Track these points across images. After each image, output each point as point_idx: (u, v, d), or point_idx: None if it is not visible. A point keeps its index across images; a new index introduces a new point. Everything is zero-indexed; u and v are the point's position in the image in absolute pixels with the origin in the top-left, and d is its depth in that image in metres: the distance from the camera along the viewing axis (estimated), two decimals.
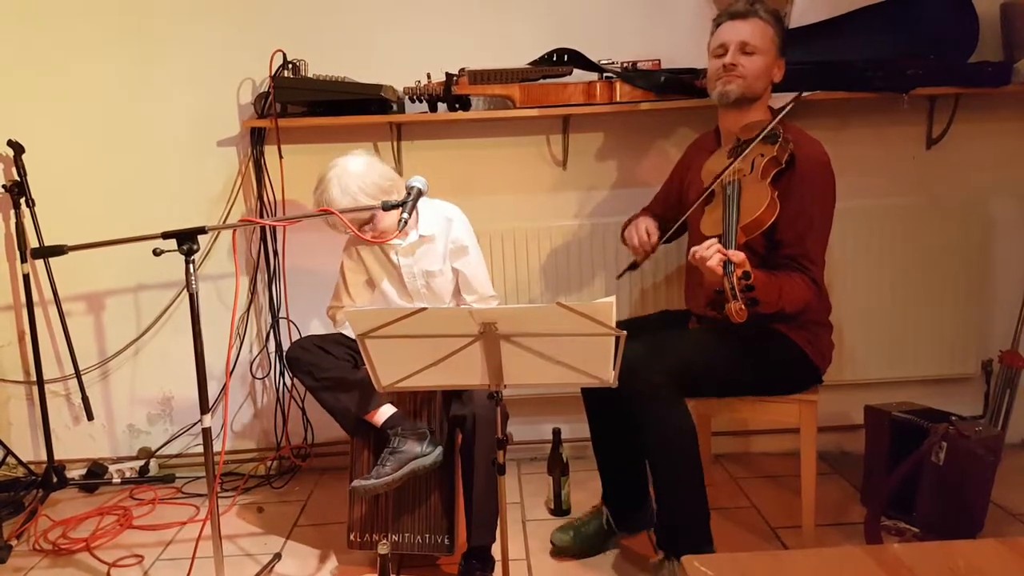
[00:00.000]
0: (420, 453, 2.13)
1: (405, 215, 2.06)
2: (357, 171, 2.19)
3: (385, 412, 2.20)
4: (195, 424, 2.95)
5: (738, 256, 1.76)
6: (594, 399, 2.27)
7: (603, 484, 2.33)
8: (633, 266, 2.23)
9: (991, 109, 2.74)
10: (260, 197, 2.80)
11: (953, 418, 2.28)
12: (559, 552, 2.26)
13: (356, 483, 2.13)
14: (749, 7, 2.10)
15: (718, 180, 2.00)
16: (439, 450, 2.16)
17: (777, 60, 2.14)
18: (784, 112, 1.97)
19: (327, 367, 2.21)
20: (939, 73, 2.56)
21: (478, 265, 2.37)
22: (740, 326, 2.03)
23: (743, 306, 1.71)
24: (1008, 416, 2.67)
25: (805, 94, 2.54)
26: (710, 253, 1.78)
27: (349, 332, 2.26)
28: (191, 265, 1.91)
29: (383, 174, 2.22)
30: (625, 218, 2.42)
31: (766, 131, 1.99)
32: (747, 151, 1.99)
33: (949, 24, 2.62)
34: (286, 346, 2.82)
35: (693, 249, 1.85)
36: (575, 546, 2.25)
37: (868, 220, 2.73)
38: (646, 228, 2.24)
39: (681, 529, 2.01)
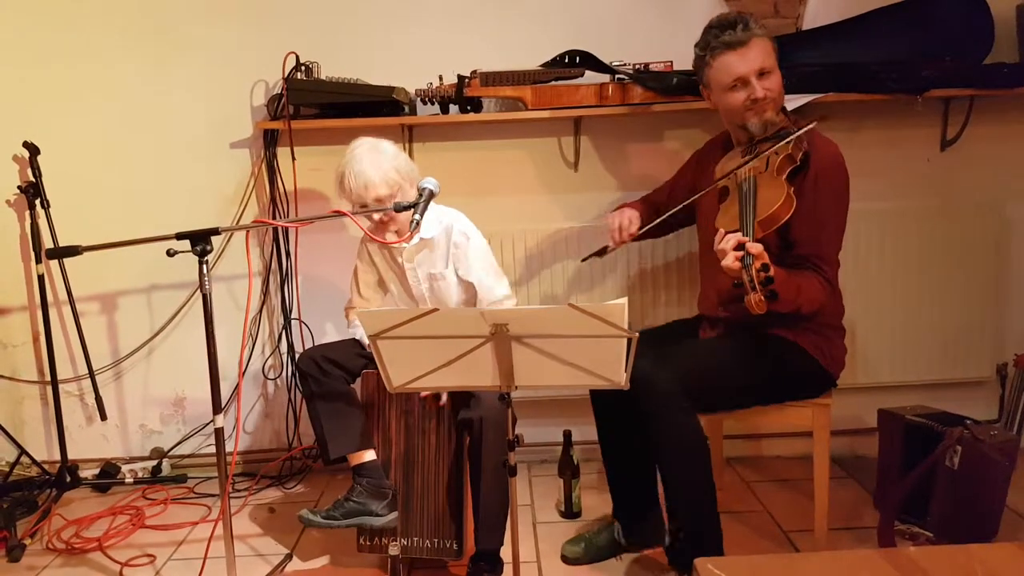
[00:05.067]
0: (374, 512, 2.15)
1: (417, 216, 2.05)
2: (389, 150, 2.18)
3: (364, 457, 2.21)
4: (207, 424, 2.96)
5: (756, 248, 1.75)
6: (603, 405, 2.24)
7: (613, 497, 2.29)
8: (602, 251, 2.23)
9: (1006, 111, 2.72)
10: (273, 198, 2.81)
11: (968, 422, 2.26)
12: (571, 563, 2.25)
13: (303, 513, 2.18)
14: (744, 31, 2.00)
15: (733, 177, 1.99)
16: (394, 515, 2.17)
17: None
18: (804, 130, 1.94)
19: (328, 392, 2.20)
20: (954, 74, 2.54)
21: (482, 272, 2.30)
22: (751, 333, 2.03)
23: (763, 298, 1.71)
24: (1023, 420, 2.65)
25: (818, 96, 2.52)
26: (728, 245, 1.78)
27: (361, 334, 2.26)
28: (204, 266, 1.92)
29: (409, 161, 2.24)
30: None
31: (790, 139, 1.94)
32: (763, 151, 1.97)
33: (964, 25, 2.60)
34: (298, 347, 2.85)
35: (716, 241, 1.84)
36: (586, 557, 2.25)
37: (882, 222, 2.72)
38: (629, 217, 2.25)
39: (695, 541, 1.99)
